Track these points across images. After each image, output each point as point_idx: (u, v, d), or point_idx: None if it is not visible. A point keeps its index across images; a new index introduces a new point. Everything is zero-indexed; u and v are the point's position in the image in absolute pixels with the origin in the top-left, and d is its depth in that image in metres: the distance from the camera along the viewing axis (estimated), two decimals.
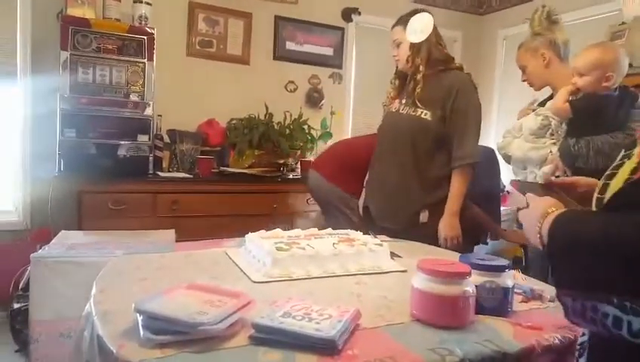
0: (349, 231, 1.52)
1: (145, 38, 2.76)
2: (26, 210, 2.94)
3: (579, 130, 1.67)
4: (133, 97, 2.75)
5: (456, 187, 1.84)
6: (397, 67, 2.04)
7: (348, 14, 3.91)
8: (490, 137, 4.12)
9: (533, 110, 1.89)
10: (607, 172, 0.76)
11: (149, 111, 2.77)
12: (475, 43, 4.38)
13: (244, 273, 1.21)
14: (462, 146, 1.82)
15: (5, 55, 2.87)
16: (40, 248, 2.14)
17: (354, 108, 4.01)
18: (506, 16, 4.11)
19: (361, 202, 2.15)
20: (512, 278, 1.01)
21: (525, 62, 1.91)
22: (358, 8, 3.91)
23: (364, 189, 2.15)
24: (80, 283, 1.59)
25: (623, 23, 3.08)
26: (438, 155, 1.88)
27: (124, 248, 1.99)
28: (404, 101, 1.97)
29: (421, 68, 1.89)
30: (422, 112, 1.87)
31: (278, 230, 1.47)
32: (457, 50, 4.38)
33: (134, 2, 2.89)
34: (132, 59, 2.74)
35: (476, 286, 0.93)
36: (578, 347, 0.80)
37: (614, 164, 0.76)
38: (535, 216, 0.76)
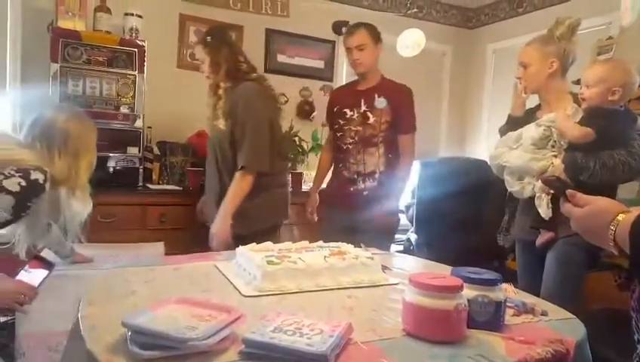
0: (340, 244, 1.51)
1: (135, 50, 2.77)
2: None
3: (585, 143, 1.63)
4: (124, 109, 2.74)
5: (232, 189, 1.99)
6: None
7: (339, 28, 3.91)
8: (481, 149, 4.16)
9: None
10: None
11: (139, 123, 2.76)
12: (465, 56, 4.43)
13: (235, 287, 1.20)
14: (240, 153, 1.99)
15: None
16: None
17: None
18: (496, 30, 4.17)
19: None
20: (504, 292, 1.01)
21: (531, 60, 1.83)
22: (348, 22, 3.93)
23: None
24: (68, 296, 1.56)
25: (610, 38, 3.14)
26: (231, 163, 2.05)
27: (113, 261, 1.97)
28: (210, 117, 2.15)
29: (221, 84, 2.07)
30: (219, 123, 2.06)
31: (268, 243, 1.45)
32: (447, 64, 4.44)
33: (125, 15, 2.90)
34: (122, 71, 2.74)
35: (468, 300, 0.92)
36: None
37: None
38: (602, 221, 0.78)
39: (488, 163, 1.95)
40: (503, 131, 1.88)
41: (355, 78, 2.43)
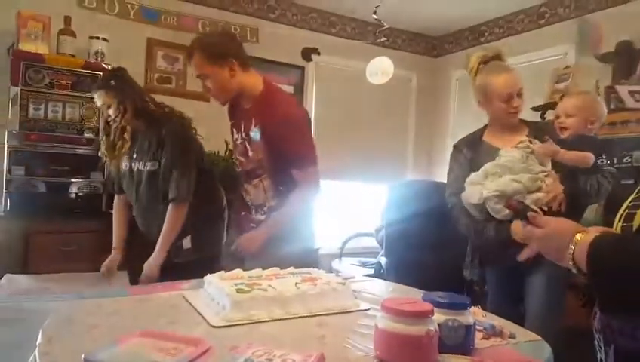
0: (311, 269, 1.50)
1: (101, 73, 2.71)
2: None
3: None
4: (87, 134, 2.69)
5: (169, 223, 2.00)
6: (106, 125, 2.13)
7: (308, 54, 4.02)
8: (444, 172, 4.25)
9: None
10: (628, 203, 0.83)
11: (103, 148, 2.69)
12: (431, 83, 4.59)
13: (203, 317, 1.16)
14: (172, 184, 2.01)
15: None
16: None
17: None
18: (459, 58, 4.33)
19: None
20: (473, 315, 1.02)
21: (519, 86, 1.83)
22: (317, 48, 4.03)
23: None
24: (26, 331, 1.48)
25: (567, 67, 3.33)
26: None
27: (75, 292, 1.88)
28: (135, 156, 2.10)
29: (128, 128, 2.03)
30: (151, 165, 2.05)
31: (238, 270, 1.43)
32: (413, 90, 4.57)
33: (90, 38, 2.86)
34: (87, 95, 2.68)
35: (439, 324, 0.92)
36: None
37: (633, 196, 0.83)
38: (562, 241, 0.82)
39: (463, 204, 1.84)
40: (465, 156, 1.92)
41: None
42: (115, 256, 2.21)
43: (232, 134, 1.96)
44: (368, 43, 3.95)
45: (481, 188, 1.76)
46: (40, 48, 2.64)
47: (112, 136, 2.09)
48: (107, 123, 2.11)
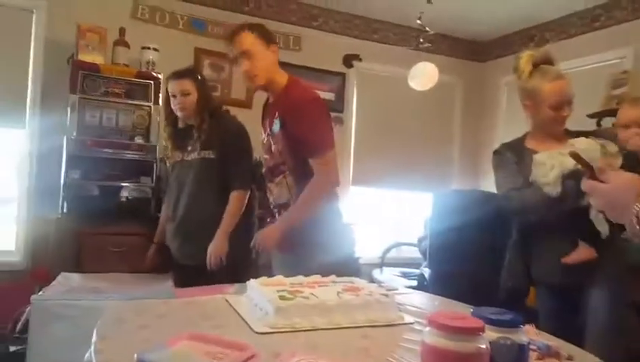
0: (353, 278, 1.48)
1: (152, 82, 2.83)
2: (27, 250, 2.92)
3: None
4: (138, 140, 2.79)
5: (232, 208, 2.17)
6: (170, 116, 2.30)
7: (349, 61, 4.03)
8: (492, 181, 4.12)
9: None
10: None
11: (153, 153, 2.80)
12: (477, 89, 4.47)
13: (246, 322, 1.17)
14: (236, 174, 2.20)
15: (16, 97, 2.94)
16: (39, 290, 2.11)
17: (355, 150, 4.05)
18: (508, 63, 4.19)
19: None
20: (527, 334, 0.97)
21: (571, 94, 1.72)
22: (359, 55, 4.03)
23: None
24: (79, 327, 1.54)
25: (625, 72, 3.16)
26: (224, 190, 2.20)
27: (124, 293, 1.96)
28: (189, 148, 2.26)
29: (206, 118, 2.23)
30: (207, 153, 2.21)
31: (280, 277, 1.43)
32: (458, 96, 4.47)
33: (142, 49, 2.98)
34: (139, 102, 2.81)
35: (490, 342, 0.88)
36: None
37: None
38: (629, 195, 0.78)
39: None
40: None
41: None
42: (155, 248, 2.46)
43: (262, 135, 1.96)
44: (411, 48, 3.90)
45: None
46: (96, 58, 2.78)
47: (168, 128, 2.32)
48: (170, 112, 2.28)
